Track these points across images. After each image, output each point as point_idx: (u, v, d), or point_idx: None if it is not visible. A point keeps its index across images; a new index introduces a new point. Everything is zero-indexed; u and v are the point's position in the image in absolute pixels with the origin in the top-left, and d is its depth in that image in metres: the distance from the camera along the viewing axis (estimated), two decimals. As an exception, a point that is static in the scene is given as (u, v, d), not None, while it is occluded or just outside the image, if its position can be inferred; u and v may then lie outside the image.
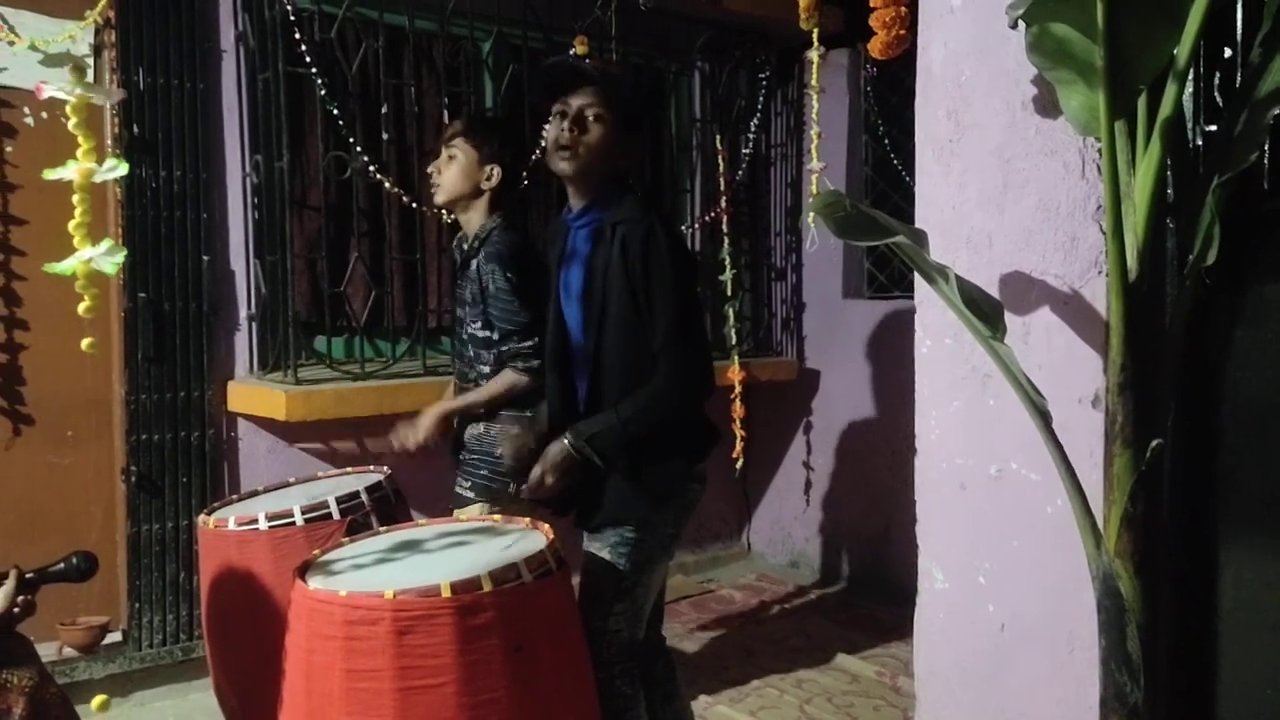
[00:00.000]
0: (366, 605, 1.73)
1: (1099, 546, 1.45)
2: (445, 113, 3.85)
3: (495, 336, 2.67)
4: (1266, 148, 1.53)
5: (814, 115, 3.67)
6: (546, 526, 2.13)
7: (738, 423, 4.42)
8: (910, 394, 1.95)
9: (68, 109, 1.55)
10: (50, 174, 1.60)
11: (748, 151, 4.72)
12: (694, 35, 4.56)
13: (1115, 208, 1.38)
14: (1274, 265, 1.54)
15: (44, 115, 3.30)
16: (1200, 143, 1.60)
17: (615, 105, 2.22)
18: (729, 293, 4.57)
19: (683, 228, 4.59)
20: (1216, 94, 1.59)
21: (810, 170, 3.54)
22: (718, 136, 4.65)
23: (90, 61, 3.35)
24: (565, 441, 2.21)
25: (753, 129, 4.73)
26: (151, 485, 3.44)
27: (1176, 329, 1.50)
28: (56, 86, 1.52)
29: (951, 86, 1.83)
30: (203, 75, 3.49)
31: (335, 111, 3.48)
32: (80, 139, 1.52)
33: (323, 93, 3.46)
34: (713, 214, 4.62)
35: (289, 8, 3.40)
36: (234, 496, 2.84)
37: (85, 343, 1.78)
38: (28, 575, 1.88)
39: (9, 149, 3.28)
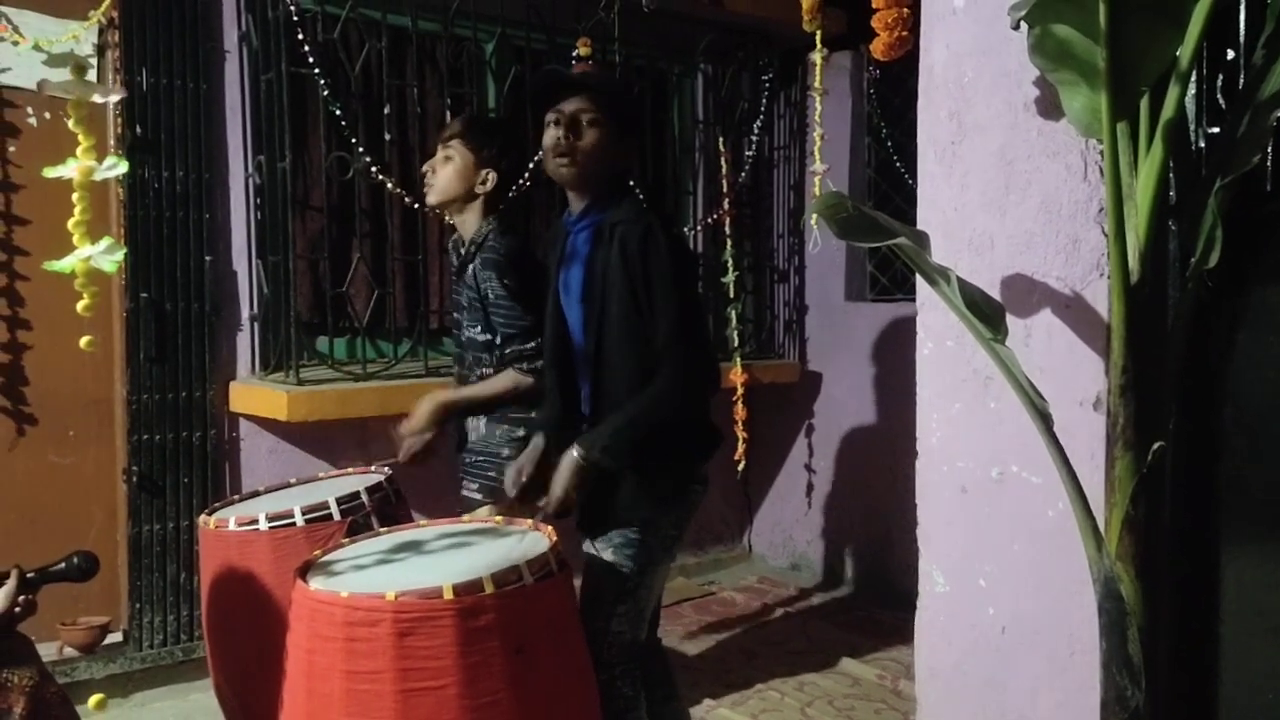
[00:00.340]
0: (367, 606, 1.73)
1: (1100, 549, 1.45)
2: (448, 114, 3.85)
3: (497, 340, 2.67)
4: (1269, 150, 1.52)
5: (817, 117, 3.67)
6: (549, 528, 2.13)
7: (740, 425, 4.42)
8: (912, 397, 1.95)
9: (68, 107, 1.55)
10: (50, 171, 1.60)
11: (750, 153, 4.73)
12: (697, 37, 4.56)
13: (1117, 210, 1.38)
14: (1276, 267, 1.54)
15: (47, 115, 3.31)
16: (1203, 145, 1.60)
17: (609, 108, 2.23)
18: (731, 295, 4.57)
19: (685, 230, 4.59)
20: (1219, 96, 1.59)
21: (813, 172, 3.53)
22: (720, 138, 4.65)
23: (94, 61, 3.36)
24: (576, 455, 2.18)
25: (755, 131, 4.74)
26: (153, 485, 3.44)
27: (1178, 331, 1.49)
28: (56, 85, 1.53)
29: (954, 88, 1.83)
30: (206, 75, 3.49)
31: (338, 112, 3.48)
32: (80, 137, 1.52)
33: (325, 93, 3.46)
34: (715, 216, 4.62)
35: (292, 8, 3.40)
36: (235, 497, 2.84)
37: (84, 341, 1.78)
38: (29, 575, 1.88)
39: (12, 149, 3.28)
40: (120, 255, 1.55)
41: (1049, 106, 1.67)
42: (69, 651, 3.34)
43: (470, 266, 2.69)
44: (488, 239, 2.68)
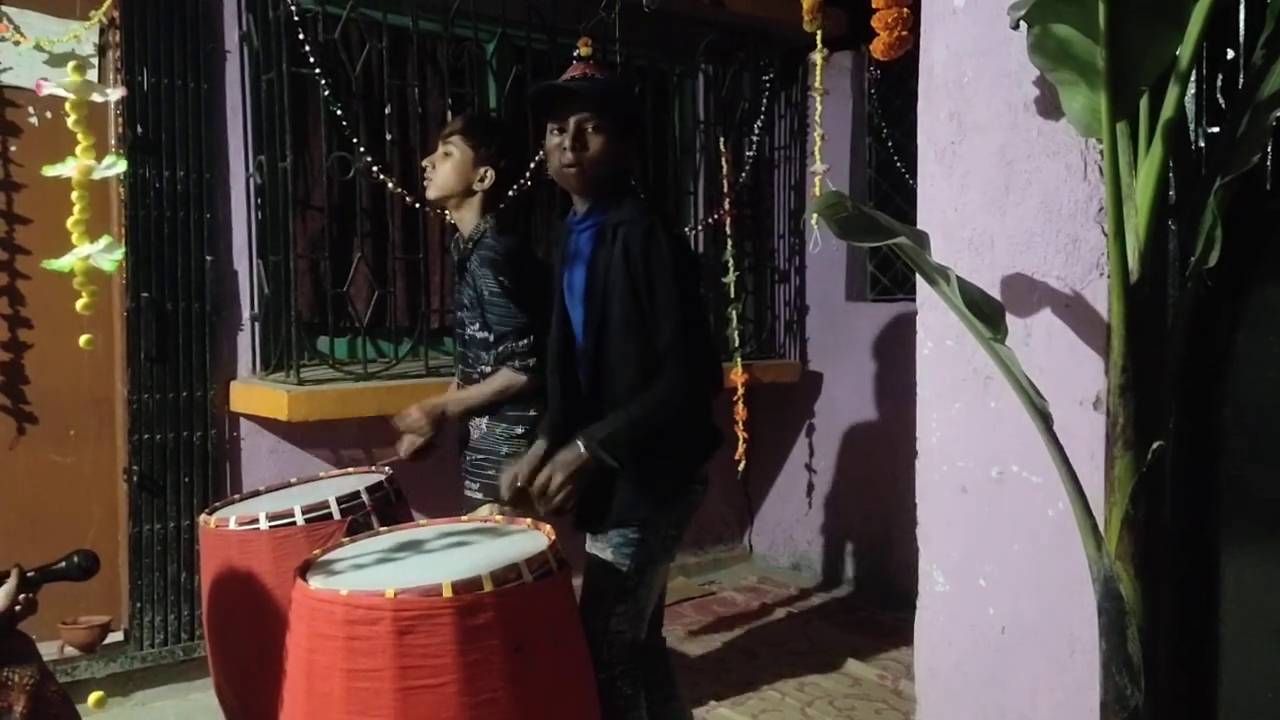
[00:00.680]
0: (367, 605, 1.73)
1: (1100, 549, 1.45)
2: (449, 114, 3.85)
3: (492, 338, 2.68)
4: (1269, 149, 1.52)
5: (817, 117, 3.67)
6: (548, 527, 2.13)
7: (740, 425, 4.42)
8: (912, 397, 1.95)
9: (67, 106, 1.55)
10: (49, 170, 1.60)
11: (751, 154, 4.73)
12: (698, 37, 4.56)
13: (1117, 209, 1.38)
14: (1276, 267, 1.54)
15: (48, 115, 3.31)
16: (1202, 144, 1.60)
17: (610, 112, 2.23)
18: (732, 295, 4.57)
19: (686, 230, 4.59)
20: (1219, 96, 1.59)
21: (813, 172, 3.54)
22: (721, 138, 4.66)
23: (95, 61, 3.36)
24: (579, 447, 2.18)
25: (756, 131, 4.74)
26: (153, 485, 3.45)
27: (1178, 331, 1.49)
28: (56, 84, 1.53)
29: (954, 88, 1.83)
30: (207, 75, 3.50)
31: (339, 112, 3.48)
32: (79, 136, 1.52)
33: (326, 93, 3.47)
34: (716, 216, 4.62)
35: (293, 8, 3.41)
36: (235, 496, 2.85)
37: (83, 339, 1.78)
38: (29, 574, 1.89)
39: (13, 148, 3.29)
40: (119, 254, 1.55)
41: (1049, 106, 1.67)
42: (70, 650, 3.34)
43: (468, 264, 2.71)
44: (484, 236, 2.69)
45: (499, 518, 2.34)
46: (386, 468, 2.80)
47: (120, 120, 3.35)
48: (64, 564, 1.97)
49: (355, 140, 3.54)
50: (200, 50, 3.48)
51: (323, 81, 3.45)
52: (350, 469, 2.99)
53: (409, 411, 2.74)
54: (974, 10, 1.80)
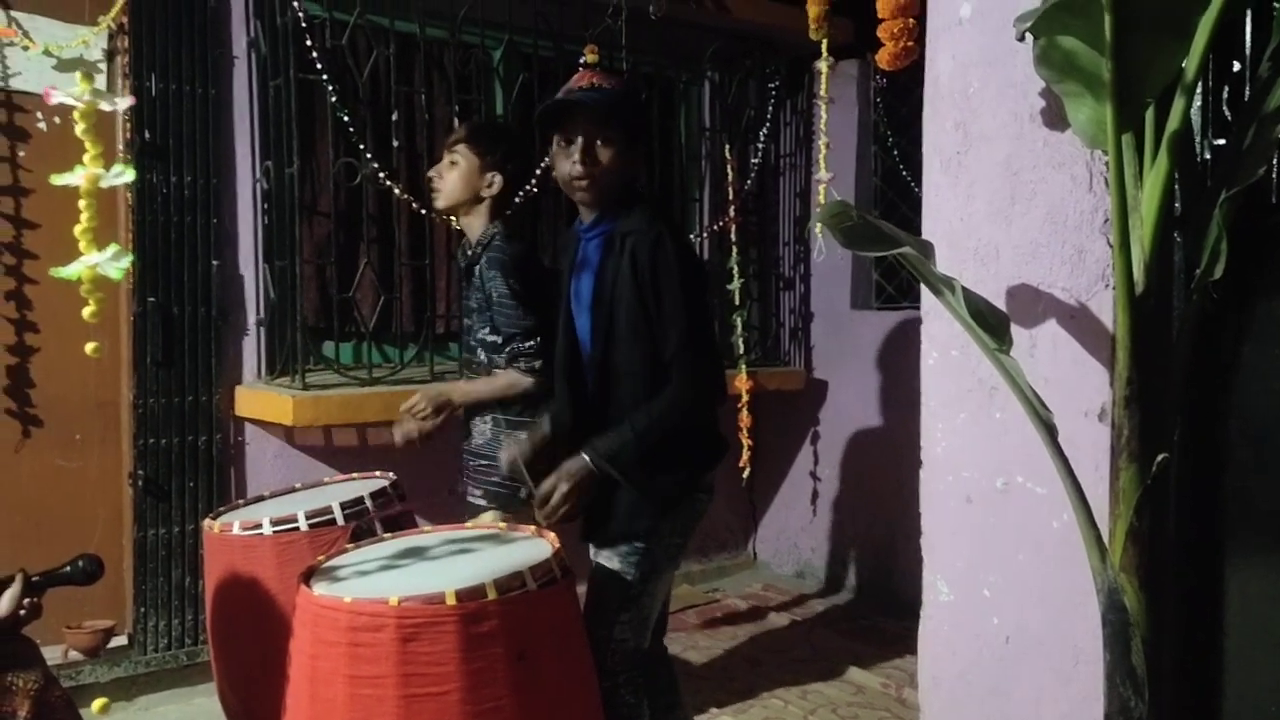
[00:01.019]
0: (371, 612, 1.73)
1: (1104, 560, 1.45)
2: (455, 120, 3.86)
3: (500, 340, 2.69)
4: (1275, 162, 1.52)
5: (822, 125, 3.67)
6: (552, 535, 2.13)
7: (745, 432, 4.42)
8: (917, 405, 1.95)
9: (75, 115, 1.56)
10: (57, 179, 1.61)
11: (756, 161, 4.73)
12: (704, 45, 4.57)
13: (1122, 221, 1.38)
14: (1282, 280, 1.54)
15: (57, 120, 3.31)
16: (1208, 157, 1.60)
17: (618, 123, 2.23)
18: (737, 302, 4.57)
19: (691, 237, 4.59)
20: (1225, 108, 1.59)
21: (818, 180, 3.54)
22: (727, 146, 4.66)
23: (103, 67, 3.37)
24: (585, 459, 2.18)
25: (762, 139, 4.74)
26: (158, 489, 3.45)
27: (1183, 343, 1.49)
28: (64, 92, 1.54)
29: (959, 98, 1.84)
30: (214, 81, 3.51)
31: (346, 118, 3.49)
32: (88, 145, 1.53)
33: (333, 99, 3.48)
34: (721, 223, 4.63)
35: (301, 15, 3.42)
36: (240, 501, 2.85)
37: (90, 347, 1.79)
38: (34, 578, 1.89)
39: (22, 153, 3.29)
40: (126, 262, 1.56)
41: (1055, 117, 1.67)
42: (74, 655, 3.35)
43: (476, 268, 2.72)
44: (493, 240, 2.71)
45: (502, 524, 2.34)
46: (391, 473, 2.80)
47: (128, 125, 3.36)
48: (68, 569, 1.98)
49: (362, 146, 3.55)
50: (208, 56, 3.49)
51: (330, 88, 3.46)
52: (354, 474, 2.99)
53: (414, 398, 2.74)
54: (980, 21, 1.80)
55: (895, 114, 4.69)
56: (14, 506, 3.33)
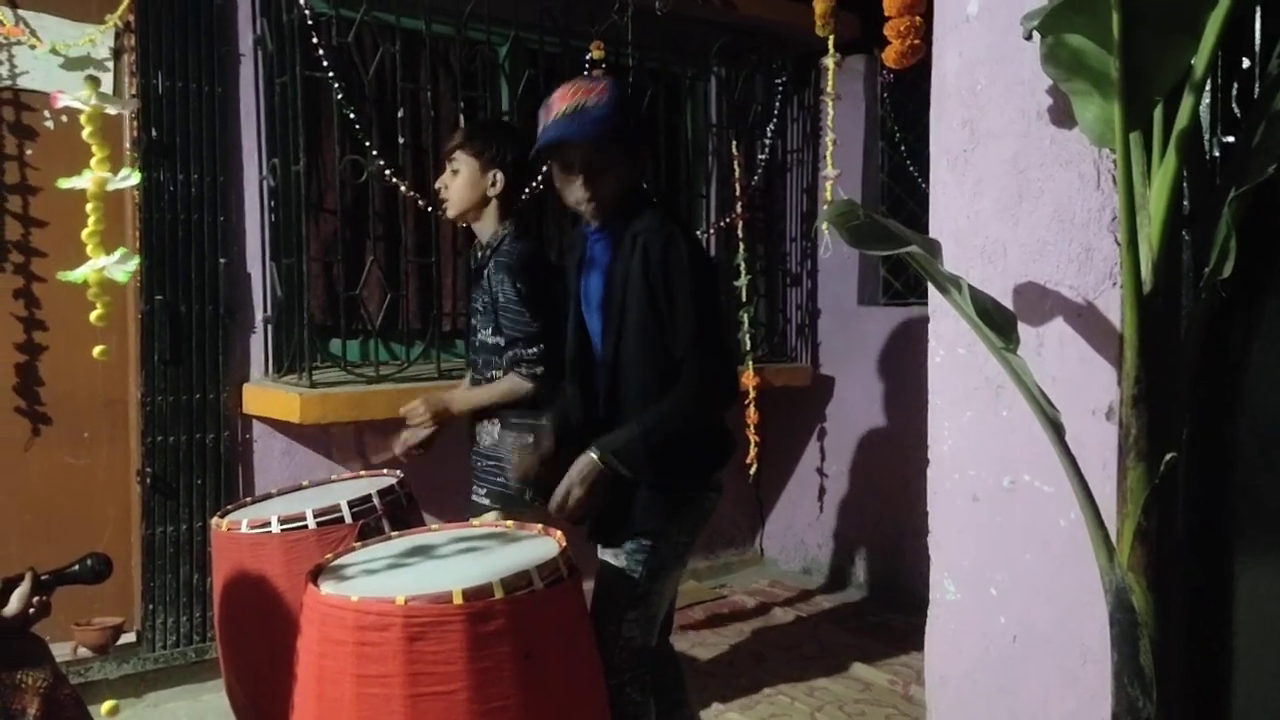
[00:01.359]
0: (378, 611, 1.74)
1: (1112, 560, 1.44)
2: (461, 117, 3.87)
3: (503, 343, 2.69)
4: (1284, 159, 1.51)
5: (829, 122, 3.66)
6: (559, 533, 2.13)
7: (751, 428, 4.42)
8: (925, 401, 1.94)
9: (82, 119, 1.56)
10: (64, 183, 1.62)
11: (763, 157, 4.73)
12: (710, 40, 4.56)
13: (1130, 219, 1.37)
14: (1291, 278, 1.53)
15: (64, 119, 3.32)
16: (1217, 154, 1.59)
17: (611, 142, 2.20)
18: (744, 298, 4.57)
19: (698, 233, 4.59)
20: (1234, 105, 1.58)
21: (824, 177, 3.53)
22: (734, 142, 4.65)
23: (110, 65, 3.38)
24: (593, 456, 2.18)
25: (769, 134, 4.73)
26: (166, 487, 3.47)
27: (1192, 341, 1.48)
28: (71, 96, 1.54)
29: (966, 95, 1.83)
30: (221, 79, 3.51)
31: (352, 115, 3.49)
32: (94, 148, 1.53)
33: (339, 97, 3.48)
34: (728, 219, 4.62)
35: (306, 12, 3.42)
36: (247, 499, 2.86)
37: (97, 350, 1.80)
38: (43, 577, 1.90)
39: (29, 152, 3.31)
40: (133, 265, 1.56)
41: (1062, 115, 1.66)
42: (83, 651, 3.36)
43: (485, 270, 2.72)
44: (503, 243, 2.71)
45: (508, 524, 2.34)
46: (398, 471, 2.80)
47: (135, 124, 3.37)
48: (77, 567, 1.99)
49: (368, 143, 3.55)
50: (214, 54, 3.49)
51: (336, 85, 3.46)
52: (362, 472, 3.00)
53: (414, 403, 2.77)
54: (987, 19, 1.79)
55: (902, 109, 4.68)
56: (24, 504, 3.34)
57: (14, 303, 3.30)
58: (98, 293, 1.56)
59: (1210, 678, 1.62)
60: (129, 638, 3.48)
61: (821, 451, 4.93)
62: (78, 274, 1.59)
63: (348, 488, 2.73)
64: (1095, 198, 1.64)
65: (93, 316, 1.62)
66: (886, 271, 4.82)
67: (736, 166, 4.60)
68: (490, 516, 2.66)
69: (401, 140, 3.68)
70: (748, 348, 4.54)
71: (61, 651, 3.08)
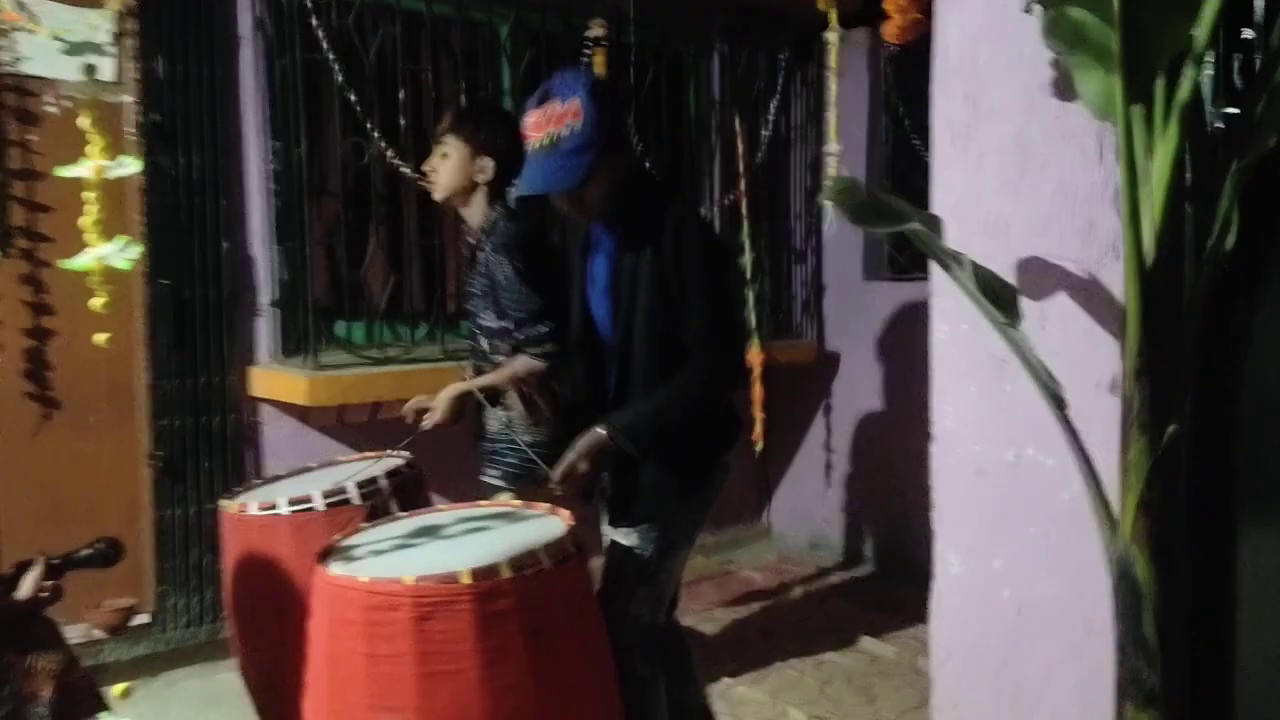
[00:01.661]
0: (387, 591, 1.75)
1: (1115, 532, 1.45)
2: (463, 98, 3.85)
3: (510, 325, 2.68)
4: (1287, 131, 1.50)
5: (832, 98, 3.65)
6: (566, 512, 2.14)
7: (757, 405, 4.42)
8: (930, 376, 1.95)
9: (81, 108, 1.57)
10: (63, 171, 1.62)
11: (767, 133, 4.71)
12: (712, 17, 4.54)
13: (1132, 193, 1.37)
14: (1294, 249, 1.53)
15: (67, 103, 3.32)
16: (1219, 126, 1.58)
17: (598, 152, 2.15)
18: (749, 275, 4.56)
19: (702, 210, 4.58)
20: (1236, 77, 1.57)
21: (828, 153, 3.52)
22: (736, 119, 4.63)
23: (111, 50, 3.37)
24: (600, 432, 2.19)
25: (772, 111, 4.72)
26: (175, 470, 3.49)
27: (1194, 314, 1.48)
28: (69, 86, 1.55)
29: (968, 70, 1.82)
30: (221, 62, 3.51)
31: (353, 97, 3.49)
32: (93, 138, 1.54)
33: (340, 79, 3.47)
34: (732, 197, 4.61)
35: (306, -6, 3.41)
36: (256, 481, 2.87)
37: (101, 337, 1.81)
38: (54, 561, 1.91)
39: (33, 138, 3.31)
40: (135, 253, 1.57)
41: (1064, 89, 1.65)
42: (97, 633, 3.39)
43: (481, 254, 2.71)
44: (497, 225, 2.69)
45: (516, 503, 2.36)
46: (406, 452, 2.81)
47: (137, 108, 3.36)
48: (88, 551, 2.00)
49: (369, 125, 3.55)
50: (215, 37, 3.49)
51: (336, 67, 3.45)
52: (369, 453, 3.01)
53: (433, 409, 2.73)
54: (988, -9, 1.78)
55: (906, 82, 4.64)
56: (35, 487, 3.37)
57: (20, 288, 3.31)
58: (100, 281, 1.57)
59: (1214, 648, 1.63)
60: (142, 619, 3.51)
61: (828, 427, 4.94)
62: (80, 262, 1.60)
63: (355, 469, 2.74)
64: (1098, 172, 1.64)
65: (97, 304, 1.62)
66: (891, 246, 4.81)
67: (740, 144, 4.59)
68: (503, 497, 2.67)
69: (403, 122, 3.67)
70: (753, 325, 4.54)
71: (74, 634, 3.11)
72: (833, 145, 3.47)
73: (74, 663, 1.86)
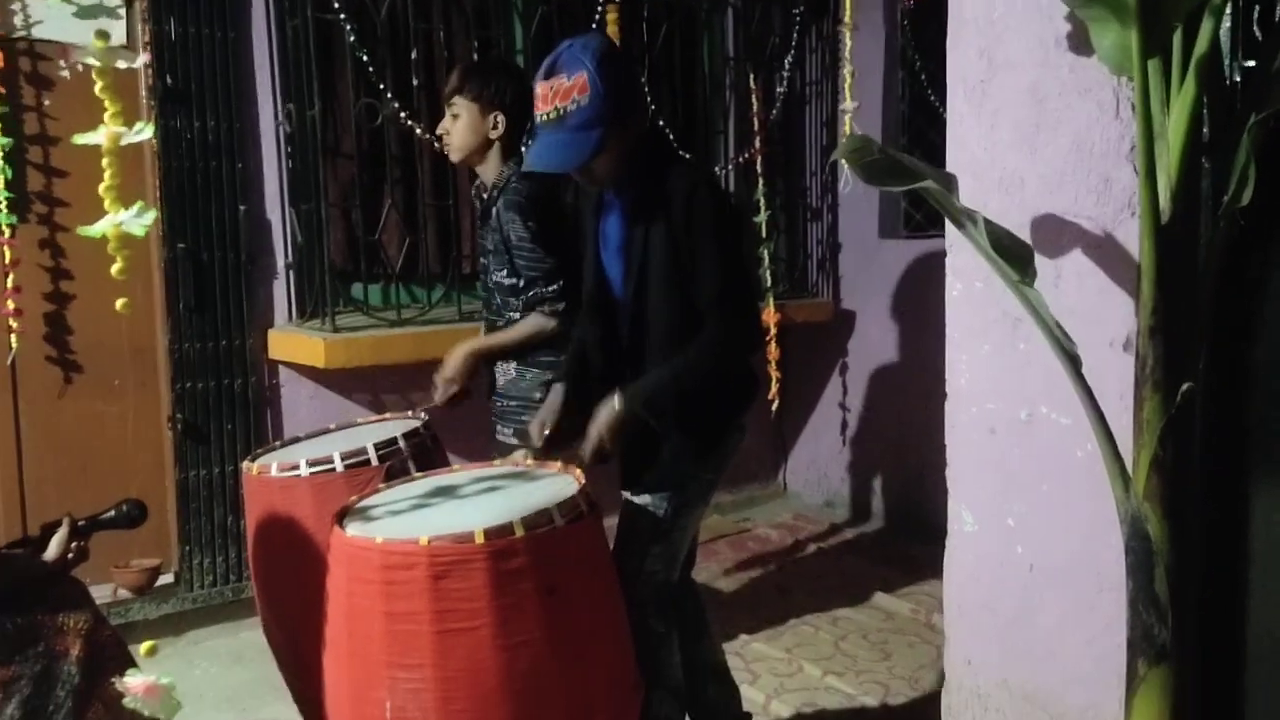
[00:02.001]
0: (403, 551, 1.77)
1: (1128, 490, 1.45)
2: (475, 56, 3.83)
3: (521, 283, 2.69)
4: (1307, 84, 1.48)
5: (847, 53, 3.60)
6: (579, 471, 2.16)
7: (773, 364, 4.42)
8: (946, 334, 1.94)
9: (94, 74, 1.57)
10: (79, 139, 1.63)
11: (782, 90, 4.66)
12: (726, -29, 4.48)
13: (1148, 148, 1.36)
14: (1312, 205, 1.51)
15: (80, 67, 3.31)
16: (1237, 79, 1.56)
17: (605, 127, 2.13)
18: (764, 234, 4.54)
19: (716, 169, 4.55)
20: (1255, 29, 1.55)
21: (844, 110, 3.49)
22: (751, 75, 4.59)
23: (122, 13, 3.36)
24: (615, 405, 2.19)
25: (787, 67, 4.66)
26: (197, 432, 3.53)
27: (1210, 271, 1.47)
28: (82, 51, 1.55)
29: (983, 24, 1.80)
30: (233, 23, 3.49)
31: (365, 58, 3.47)
32: (107, 103, 1.54)
33: (352, 39, 3.45)
34: (747, 154, 4.58)
35: (316, -47, 3.38)
36: (277, 443, 2.89)
37: (120, 303, 1.82)
38: (80, 523, 1.94)
39: (47, 102, 3.31)
40: (150, 219, 1.57)
41: (1080, 43, 1.63)
42: (123, 593, 3.45)
43: (494, 210, 2.72)
44: (510, 182, 2.69)
45: (531, 461, 2.38)
46: (423, 413, 2.83)
47: (150, 71, 3.36)
48: (113, 513, 2.03)
49: (382, 86, 3.53)
50: (225, -2, 3.47)
51: (348, 27, 3.43)
52: (387, 415, 3.04)
53: (444, 368, 2.77)
54: (1004, -57, 1.75)
55: (923, 37, 4.58)
56: (60, 449, 3.42)
57: (40, 253, 3.34)
58: (117, 247, 1.58)
59: (1225, 605, 1.63)
60: (167, 579, 3.58)
61: (843, 386, 4.94)
62: (96, 229, 1.60)
63: (373, 431, 2.76)
64: (1114, 127, 1.62)
65: (114, 270, 1.64)
66: (907, 204, 4.77)
67: (754, 100, 4.55)
68: (518, 455, 2.69)
69: (415, 82, 3.65)
70: (768, 284, 4.53)
71: (102, 594, 3.17)
72: (848, 102, 3.44)
73: (102, 621, 1.89)
